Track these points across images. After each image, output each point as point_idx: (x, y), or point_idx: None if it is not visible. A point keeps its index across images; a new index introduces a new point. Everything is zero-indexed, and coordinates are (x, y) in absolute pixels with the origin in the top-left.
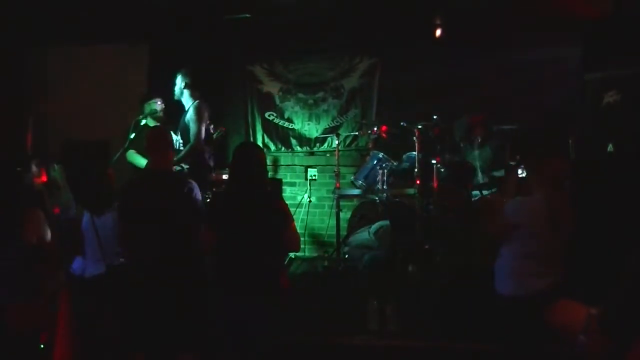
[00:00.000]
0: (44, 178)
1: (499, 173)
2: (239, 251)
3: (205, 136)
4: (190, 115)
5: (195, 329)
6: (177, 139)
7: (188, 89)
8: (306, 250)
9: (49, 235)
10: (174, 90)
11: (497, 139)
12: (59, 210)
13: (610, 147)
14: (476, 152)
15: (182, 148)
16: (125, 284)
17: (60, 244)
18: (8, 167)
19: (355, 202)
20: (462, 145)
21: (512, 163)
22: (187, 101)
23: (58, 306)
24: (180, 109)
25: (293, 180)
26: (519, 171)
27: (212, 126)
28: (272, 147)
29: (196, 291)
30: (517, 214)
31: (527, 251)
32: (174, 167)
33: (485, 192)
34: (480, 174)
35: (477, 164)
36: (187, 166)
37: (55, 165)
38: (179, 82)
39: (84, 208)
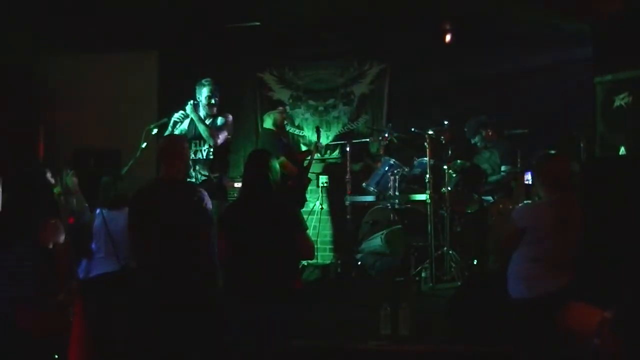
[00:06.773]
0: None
1: (506, 168)
2: (253, 258)
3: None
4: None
5: (206, 334)
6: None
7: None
8: (319, 257)
9: (64, 244)
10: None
11: (507, 143)
12: (73, 220)
13: (622, 150)
14: (486, 154)
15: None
16: (137, 287)
17: (73, 252)
18: (26, 176)
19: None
20: (473, 141)
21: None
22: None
23: (72, 315)
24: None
25: None
26: (527, 176)
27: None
28: None
29: (206, 298)
30: (524, 219)
31: (535, 255)
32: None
33: (497, 197)
34: (489, 176)
35: (485, 165)
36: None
37: (69, 171)
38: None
39: (98, 204)
